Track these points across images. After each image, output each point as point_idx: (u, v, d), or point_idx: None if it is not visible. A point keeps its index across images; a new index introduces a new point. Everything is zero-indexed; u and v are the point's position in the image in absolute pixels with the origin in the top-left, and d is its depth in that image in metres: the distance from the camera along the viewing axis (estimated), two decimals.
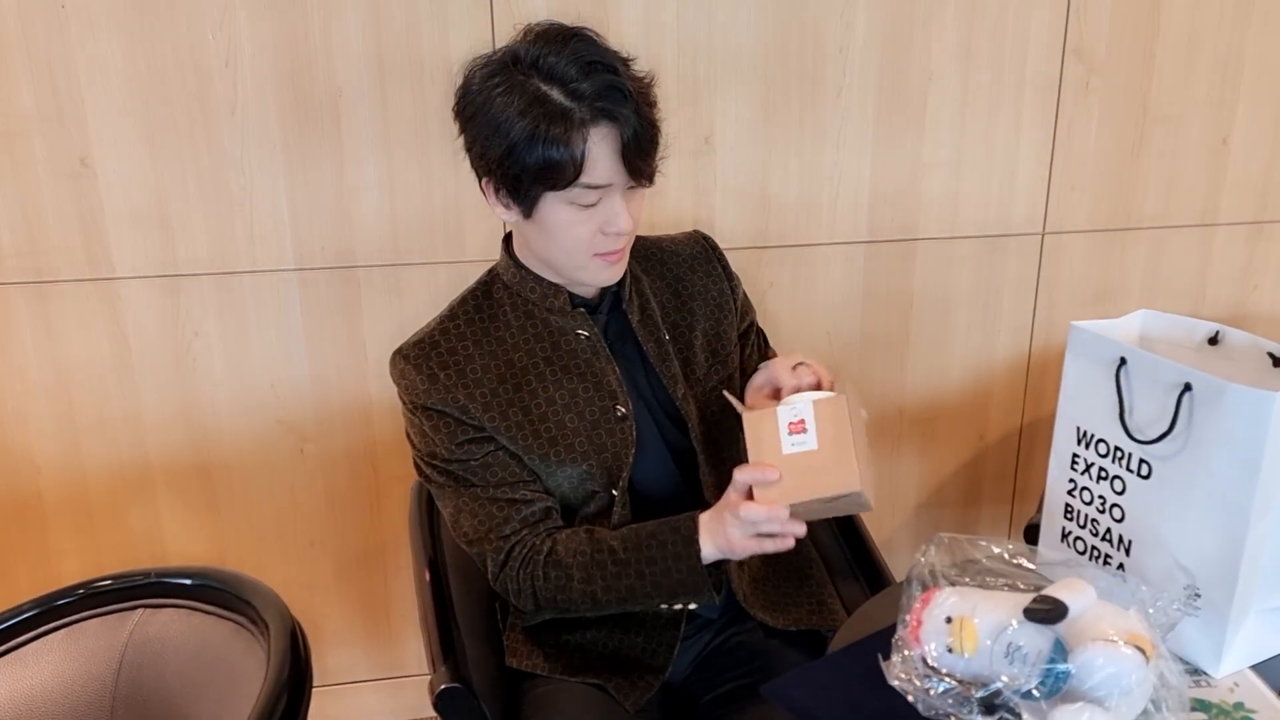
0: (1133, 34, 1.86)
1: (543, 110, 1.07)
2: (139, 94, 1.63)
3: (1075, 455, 1.23)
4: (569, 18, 1.14)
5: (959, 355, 2.01)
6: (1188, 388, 1.07)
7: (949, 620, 0.99)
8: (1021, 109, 1.87)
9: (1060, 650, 0.94)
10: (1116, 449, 1.17)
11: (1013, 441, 2.10)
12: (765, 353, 1.42)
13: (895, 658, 1.02)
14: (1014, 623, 0.96)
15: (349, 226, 1.73)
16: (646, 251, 1.34)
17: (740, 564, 1.33)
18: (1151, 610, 0.98)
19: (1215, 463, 1.06)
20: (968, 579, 1.06)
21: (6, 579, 1.83)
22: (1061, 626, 0.95)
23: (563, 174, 1.08)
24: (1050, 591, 0.99)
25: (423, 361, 1.19)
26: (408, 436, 1.26)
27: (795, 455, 1.08)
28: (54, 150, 1.63)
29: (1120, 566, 1.19)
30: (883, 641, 1.05)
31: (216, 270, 1.72)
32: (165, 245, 1.70)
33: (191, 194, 1.68)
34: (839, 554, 1.49)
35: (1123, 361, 1.14)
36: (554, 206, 1.12)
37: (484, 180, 1.17)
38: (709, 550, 1.15)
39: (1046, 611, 0.95)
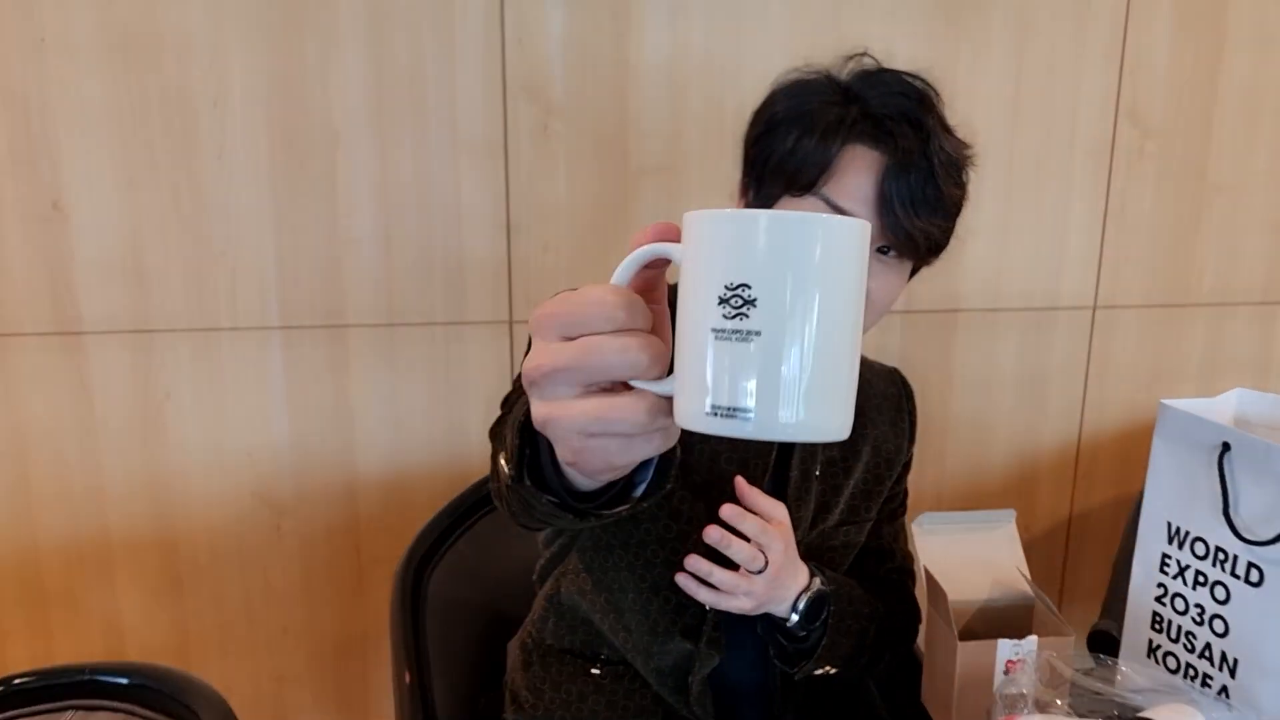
0: (1190, 96, 1.74)
1: (818, 100, 0.98)
2: (119, 134, 1.50)
3: (1166, 555, 1.05)
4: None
5: (1003, 437, 1.85)
6: None
7: None
8: (1072, 174, 1.74)
9: None
10: (1219, 550, 1.00)
11: (1060, 535, 1.92)
12: (895, 522, 1.23)
13: None
14: None
15: (340, 281, 1.59)
16: None
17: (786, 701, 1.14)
18: None
19: None
20: (1059, 702, 0.88)
21: None
22: None
23: (804, 170, 0.95)
24: (1153, 718, 0.82)
25: None
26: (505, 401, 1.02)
27: None
28: (24, 193, 1.50)
29: (1223, 690, 1.01)
30: None
31: (193, 326, 1.58)
32: (139, 298, 1.56)
33: (170, 243, 1.55)
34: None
35: (1226, 447, 0.98)
36: None
37: (740, 181, 1.07)
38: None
39: None
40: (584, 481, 0.62)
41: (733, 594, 0.95)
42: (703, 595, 0.96)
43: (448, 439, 1.67)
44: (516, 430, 0.64)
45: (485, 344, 1.64)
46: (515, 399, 0.97)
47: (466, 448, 1.67)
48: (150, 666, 1.07)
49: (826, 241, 0.53)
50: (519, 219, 1.60)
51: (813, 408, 0.52)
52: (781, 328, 0.52)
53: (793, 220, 0.53)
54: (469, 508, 1.40)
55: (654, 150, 1.62)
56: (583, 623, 1.13)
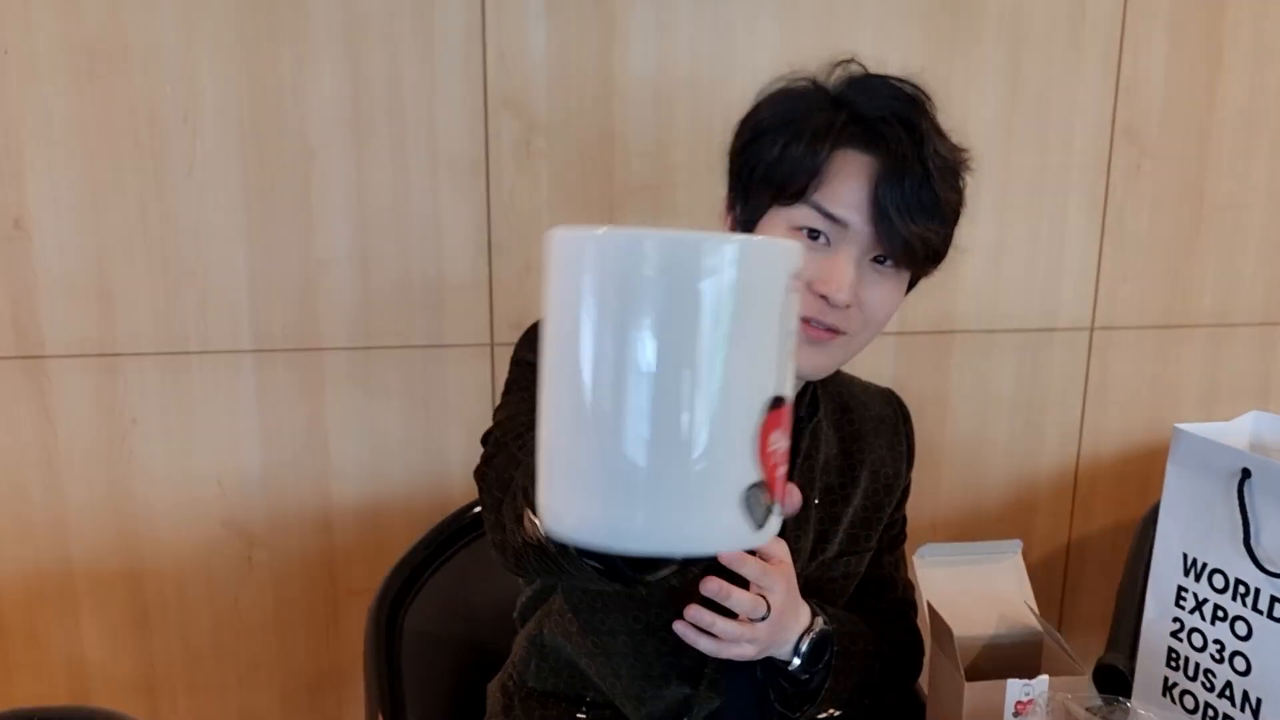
0: (1187, 113, 1.70)
1: (805, 106, 0.94)
2: (85, 150, 1.44)
3: (1181, 588, 1.00)
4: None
5: (999, 463, 1.80)
6: None
7: None
8: (1068, 192, 1.70)
9: None
10: (1239, 583, 0.95)
11: (1059, 562, 1.87)
12: (895, 551, 1.18)
13: None
14: None
15: (315, 303, 1.53)
16: (836, 390, 1.13)
17: None
18: None
19: None
20: None
21: None
22: None
23: (793, 178, 0.91)
24: None
25: None
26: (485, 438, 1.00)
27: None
28: None
29: None
30: None
31: (161, 350, 1.51)
32: (104, 320, 1.50)
33: (138, 263, 1.49)
34: None
35: (1246, 474, 0.93)
36: (775, 228, 0.94)
37: (726, 196, 1.03)
38: None
39: None
40: None
41: (735, 643, 0.89)
42: (703, 644, 0.90)
43: (426, 466, 1.61)
44: None
45: (466, 367, 1.58)
46: (500, 438, 0.92)
47: (446, 475, 1.61)
48: (99, 711, 1.00)
49: (568, 258, 0.41)
50: (501, 238, 1.55)
51: (563, 490, 0.42)
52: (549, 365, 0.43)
53: (561, 239, 0.42)
54: (448, 538, 1.34)
55: (640, 167, 1.57)
56: (567, 665, 1.06)
